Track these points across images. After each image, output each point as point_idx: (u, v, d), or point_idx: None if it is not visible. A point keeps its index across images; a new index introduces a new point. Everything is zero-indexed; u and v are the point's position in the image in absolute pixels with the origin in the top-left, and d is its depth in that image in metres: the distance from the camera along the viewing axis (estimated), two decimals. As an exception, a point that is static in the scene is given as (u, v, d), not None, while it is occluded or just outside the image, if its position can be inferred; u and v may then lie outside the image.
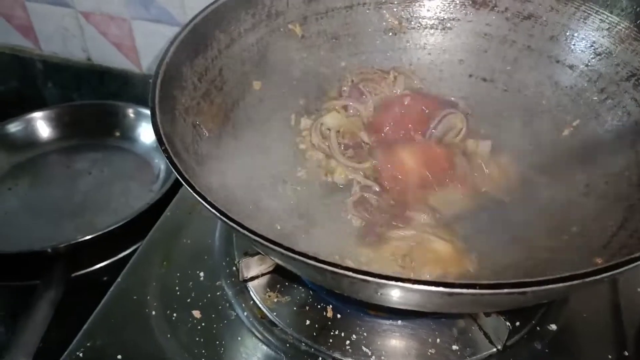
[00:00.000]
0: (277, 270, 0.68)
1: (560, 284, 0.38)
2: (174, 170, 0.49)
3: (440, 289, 0.38)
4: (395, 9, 0.83)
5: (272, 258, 0.51)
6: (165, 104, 0.58)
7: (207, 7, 0.70)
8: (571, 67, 0.75)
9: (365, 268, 0.39)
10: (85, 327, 0.64)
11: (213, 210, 0.46)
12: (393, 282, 0.39)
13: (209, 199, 0.46)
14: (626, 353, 0.60)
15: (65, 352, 0.62)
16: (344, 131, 0.75)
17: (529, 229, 0.63)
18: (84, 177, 1.06)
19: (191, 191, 0.48)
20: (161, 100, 0.57)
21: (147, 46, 1.14)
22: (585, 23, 0.74)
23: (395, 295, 0.43)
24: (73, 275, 0.87)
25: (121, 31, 1.13)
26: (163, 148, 0.51)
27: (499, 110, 0.79)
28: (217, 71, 0.70)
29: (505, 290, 0.38)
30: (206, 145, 0.63)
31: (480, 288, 0.38)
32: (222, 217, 0.45)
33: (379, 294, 0.42)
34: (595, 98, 0.72)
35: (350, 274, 0.40)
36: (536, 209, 0.66)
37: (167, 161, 0.49)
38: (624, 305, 0.65)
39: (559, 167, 0.70)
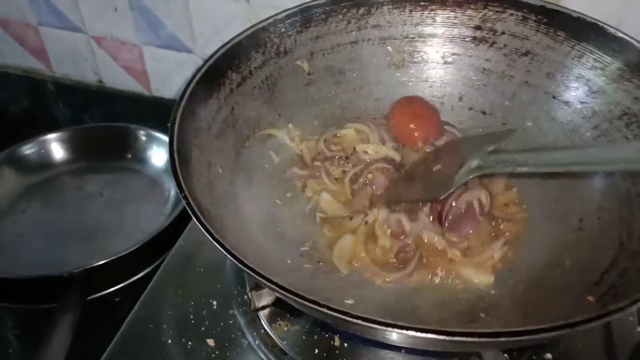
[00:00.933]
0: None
1: (555, 332, 0.42)
2: (202, 228, 0.51)
3: (442, 337, 0.42)
4: (398, 44, 0.87)
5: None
6: (182, 146, 0.62)
7: (220, 48, 0.73)
8: (567, 103, 0.79)
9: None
10: (104, 356, 0.68)
11: (244, 267, 0.49)
12: (398, 330, 0.42)
13: (238, 255, 0.49)
14: (618, 381, 0.64)
15: (86, 382, 0.66)
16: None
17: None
18: (96, 199, 1.08)
19: (219, 247, 0.51)
20: (179, 143, 0.61)
21: (157, 70, 1.17)
22: (580, 61, 0.77)
23: (401, 339, 0.46)
24: (88, 298, 0.90)
25: (132, 55, 1.17)
26: (183, 195, 0.54)
27: (498, 143, 0.82)
28: (229, 110, 0.73)
29: (503, 339, 0.41)
30: (221, 185, 0.66)
31: (479, 337, 0.41)
32: (254, 274, 0.48)
33: (385, 337, 0.46)
34: (589, 134, 0.75)
35: (359, 322, 0.43)
36: (533, 242, 0.70)
37: (193, 217, 0.52)
38: (616, 335, 0.68)
39: (555, 201, 0.73)
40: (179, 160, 0.58)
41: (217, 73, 0.72)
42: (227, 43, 0.74)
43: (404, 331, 0.42)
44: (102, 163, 1.15)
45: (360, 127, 0.83)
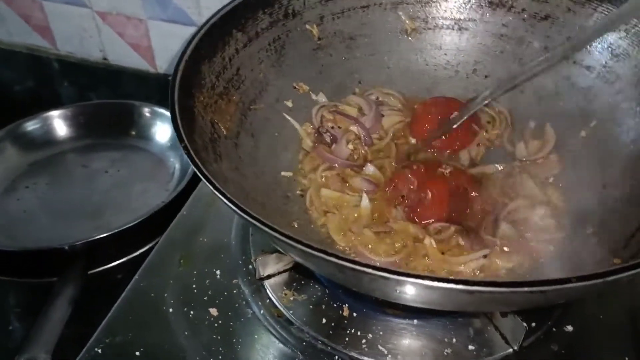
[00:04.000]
0: (294, 269, 0.68)
1: (581, 284, 0.38)
2: (192, 166, 0.49)
3: (460, 286, 0.38)
4: (411, 10, 0.84)
5: (292, 255, 0.51)
6: (184, 101, 0.59)
7: (225, 6, 0.71)
8: (588, 68, 0.75)
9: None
10: (103, 323, 0.65)
11: (233, 207, 0.46)
12: (413, 279, 0.39)
13: (228, 195, 0.46)
14: (643, 355, 0.60)
15: (84, 349, 0.63)
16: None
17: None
18: (101, 176, 1.06)
19: (210, 186, 0.48)
20: (180, 97, 0.58)
21: (163, 46, 1.15)
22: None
23: (414, 292, 0.43)
24: (89, 272, 0.88)
25: (137, 31, 1.14)
26: (183, 145, 0.51)
27: (516, 111, 0.79)
28: (235, 70, 0.71)
29: (526, 289, 0.38)
30: (224, 145, 0.63)
31: (500, 286, 0.38)
32: (242, 213, 0.45)
33: (397, 291, 0.43)
34: (612, 100, 0.72)
35: (370, 270, 0.40)
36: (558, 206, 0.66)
37: (187, 157, 0.49)
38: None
39: (577, 168, 0.70)
40: (180, 113, 0.55)
41: (222, 31, 0.69)
42: (232, 1, 0.71)
43: (423, 281, 0.39)
44: (107, 140, 1.13)
45: (364, 104, 0.80)
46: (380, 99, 0.82)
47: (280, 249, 0.51)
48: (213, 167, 0.56)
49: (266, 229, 0.44)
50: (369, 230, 0.66)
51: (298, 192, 0.71)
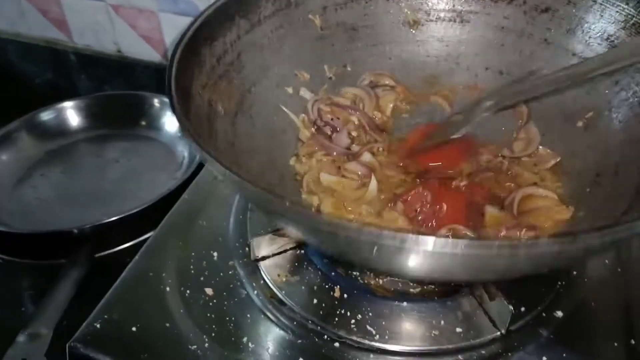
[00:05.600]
0: (289, 251, 0.69)
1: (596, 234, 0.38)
2: (182, 130, 0.50)
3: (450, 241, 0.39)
4: (413, 2, 0.84)
5: (283, 222, 0.51)
6: (182, 77, 0.61)
7: (228, -8, 0.72)
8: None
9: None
10: (103, 301, 0.67)
11: (221, 167, 0.47)
12: (412, 236, 0.40)
13: (219, 159, 0.47)
14: (633, 342, 0.60)
15: (83, 324, 0.65)
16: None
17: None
18: (112, 165, 1.09)
19: (196, 145, 0.49)
20: (178, 72, 0.60)
21: (174, 39, 1.17)
22: (602, 16, 0.74)
23: (410, 256, 0.43)
24: (97, 255, 0.90)
25: (150, 24, 1.17)
26: (176, 110, 0.53)
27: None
28: (236, 55, 0.72)
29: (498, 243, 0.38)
30: (221, 122, 0.65)
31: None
32: (231, 173, 0.46)
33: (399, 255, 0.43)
34: (609, 90, 0.72)
35: (377, 232, 0.40)
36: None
37: (178, 121, 0.51)
38: (633, 295, 0.64)
39: (572, 157, 0.70)
40: (175, 83, 0.57)
41: (224, 17, 0.71)
42: (237, -11, 0.73)
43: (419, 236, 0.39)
44: (118, 130, 1.16)
45: (359, 93, 0.81)
46: (372, 80, 0.83)
47: (271, 216, 0.52)
48: (207, 139, 0.57)
49: (253, 187, 0.44)
50: (367, 207, 0.67)
51: (295, 177, 0.72)
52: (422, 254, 0.42)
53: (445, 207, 0.67)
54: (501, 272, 0.50)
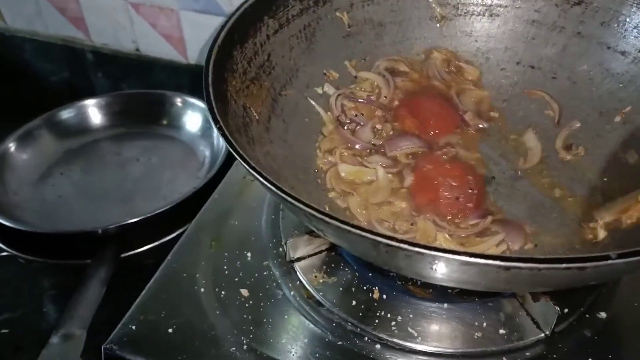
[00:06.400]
0: (324, 252, 0.69)
1: (621, 260, 0.38)
2: (227, 146, 0.50)
3: (498, 262, 0.38)
4: (442, -4, 0.83)
5: (325, 234, 0.51)
6: (217, 85, 0.60)
7: (256, -8, 0.71)
8: (623, 53, 0.74)
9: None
10: (137, 301, 0.66)
11: (270, 185, 0.47)
12: (449, 255, 0.39)
13: (265, 174, 0.47)
14: (679, 342, 0.59)
15: (119, 325, 0.64)
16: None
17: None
18: (133, 164, 1.09)
19: (245, 166, 0.49)
20: (214, 81, 0.59)
21: (194, 37, 1.16)
22: (639, 8, 0.73)
23: (448, 269, 0.43)
24: (122, 256, 0.89)
25: (170, 22, 1.16)
26: (217, 126, 0.52)
27: (548, 97, 0.78)
28: (266, 56, 0.71)
29: (564, 265, 0.38)
30: (256, 128, 0.64)
31: (537, 262, 0.38)
32: (279, 191, 0.46)
33: (432, 269, 0.43)
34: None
35: (406, 246, 0.40)
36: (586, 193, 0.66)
37: (222, 138, 0.50)
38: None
39: (610, 153, 0.69)
40: (214, 95, 0.56)
41: (253, 18, 0.70)
42: (264, -12, 0.72)
43: (459, 257, 0.39)
44: (139, 129, 1.15)
45: (376, 78, 0.80)
46: (388, 67, 0.82)
47: (315, 229, 0.52)
48: (246, 150, 0.56)
49: (304, 207, 0.44)
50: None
51: (314, 170, 0.71)
52: (480, 271, 0.41)
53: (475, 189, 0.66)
54: (559, 285, 0.49)
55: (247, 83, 0.67)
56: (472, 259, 0.39)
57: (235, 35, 0.67)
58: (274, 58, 0.73)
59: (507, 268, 0.39)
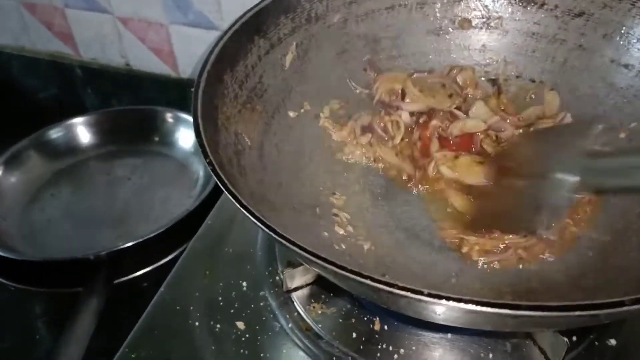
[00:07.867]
0: (322, 281, 0.66)
1: (635, 307, 0.36)
2: (219, 184, 0.47)
3: (506, 311, 0.36)
4: (437, 9, 0.81)
5: (323, 274, 0.49)
6: (207, 113, 0.57)
7: (246, 12, 0.69)
8: (627, 66, 0.72)
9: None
10: (129, 338, 0.64)
11: (261, 225, 0.45)
12: (453, 303, 0.37)
13: (255, 213, 0.44)
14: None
15: (111, 363, 0.62)
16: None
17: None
18: (124, 184, 1.06)
19: (236, 204, 0.47)
20: (203, 110, 0.56)
21: (185, 51, 1.14)
22: (643, 20, 0.70)
23: (452, 315, 0.41)
24: (114, 282, 0.87)
25: (159, 36, 1.13)
26: (207, 160, 0.50)
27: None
28: (258, 78, 0.69)
29: (577, 313, 0.36)
30: (248, 156, 0.62)
31: (549, 310, 0.36)
32: (269, 231, 0.44)
33: (437, 313, 0.41)
34: (654, 97, 0.69)
35: (408, 294, 0.38)
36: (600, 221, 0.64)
37: (213, 174, 0.48)
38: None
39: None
40: (203, 126, 0.54)
41: (244, 39, 0.67)
42: (253, 7, 0.69)
43: (464, 305, 0.37)
44: (130, 147, 1.12)
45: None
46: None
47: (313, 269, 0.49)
48: (238, 181, 0.54)
49: (296, 249, 0.42)
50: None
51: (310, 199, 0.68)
52: (486, 318, 0.39)
53: None
54: (569, 326, 0.47)
55: (239, 108, 0.65)
56: (479, 308, 0.37)
57: (225, 58, 0.64)
58: (265, 79, 0.70)
59: (516, 316, 0.37)
